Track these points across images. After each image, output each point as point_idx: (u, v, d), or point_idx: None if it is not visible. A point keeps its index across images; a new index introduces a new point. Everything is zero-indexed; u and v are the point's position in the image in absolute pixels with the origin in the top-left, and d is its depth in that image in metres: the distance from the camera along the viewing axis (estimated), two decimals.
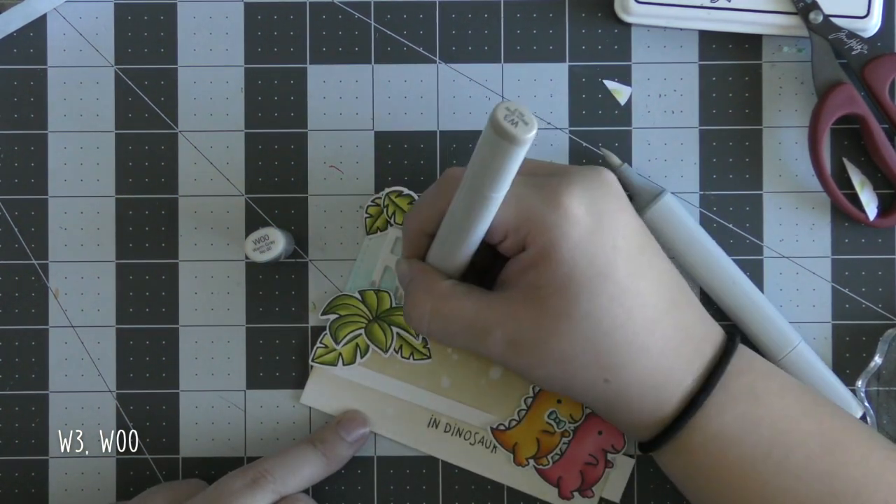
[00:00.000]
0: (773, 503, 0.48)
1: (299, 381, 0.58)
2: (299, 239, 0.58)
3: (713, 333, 0.50)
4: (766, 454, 0.48)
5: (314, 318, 0.58)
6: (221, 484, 0.52)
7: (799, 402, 0.50)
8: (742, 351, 0.50)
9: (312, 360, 0.57)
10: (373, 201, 0.58)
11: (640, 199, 0.56)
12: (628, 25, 0.58)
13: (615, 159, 0.56)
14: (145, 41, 0.58)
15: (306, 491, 0.57)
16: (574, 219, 0.46)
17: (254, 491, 0.52)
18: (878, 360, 0.56)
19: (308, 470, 0.54)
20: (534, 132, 0.40)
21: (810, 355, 0.55)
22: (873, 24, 0.56)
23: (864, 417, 0.56)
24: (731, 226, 0.58)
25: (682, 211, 0.56)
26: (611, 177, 0.48)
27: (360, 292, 0.57)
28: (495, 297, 0.49)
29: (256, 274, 0.58)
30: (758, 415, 0.49)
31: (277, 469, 0.53)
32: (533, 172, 0.49)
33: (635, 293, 0.47)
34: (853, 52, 0.56)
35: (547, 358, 0.48)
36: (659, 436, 0.50)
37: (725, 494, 0.49)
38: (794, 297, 0.57)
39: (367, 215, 0.58)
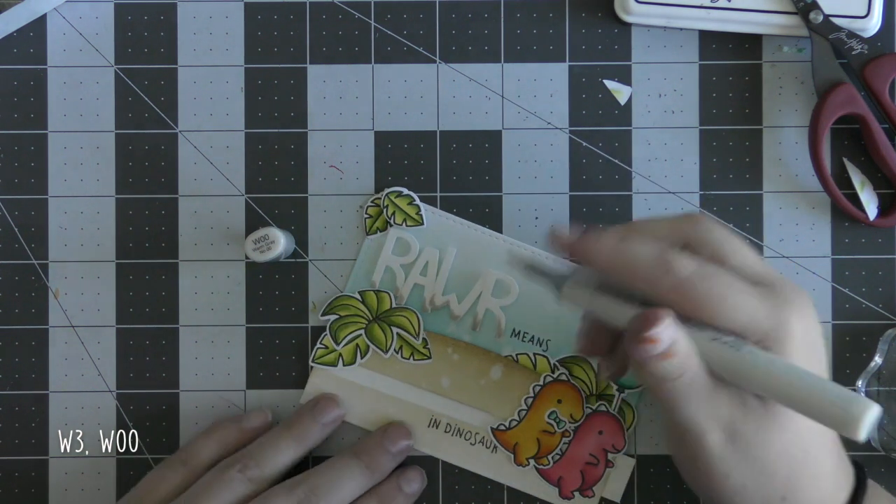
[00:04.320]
0: None
1: (299, 381, 0.58)
2: (299, 239, 0.58)
3: (848, 463, 0.50)
4: None
5: (314, 319, 0.58)
6: (266, 502, 0.52)
7: None
8: (871, 481, 0.51)
9: (312, 361, 0.57)
10: (373, 201, 0.58)
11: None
12: (628, 25, 0.58)
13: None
14: (145, 41, 0.58)
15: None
16: (794, 342, 0.46)
17: None
18: (878, 360, 0.56)
19: (353, 483, 0.54)
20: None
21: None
22: (873, 24, 0.56)
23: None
24: (731, 226, 0.58)
25: None
26: (812, 304, 0.48)
27: (360, 293, 0.57)
28: (724, 386, 0.47)
29: (256, 274, 0.58)
30: None
31: (322, 486, 0.53)
32: (744, 269, 0.47)
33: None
34: (853, 52, 0.56)
35: (752, 462, 0.47)
36: None
37: None
38: None
39: (367, 215, 0.58)
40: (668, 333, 0.44)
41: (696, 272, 0.45)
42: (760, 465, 0.47)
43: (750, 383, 0.45)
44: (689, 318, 0.46)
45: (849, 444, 0.57)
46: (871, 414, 0.41)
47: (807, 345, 0.47)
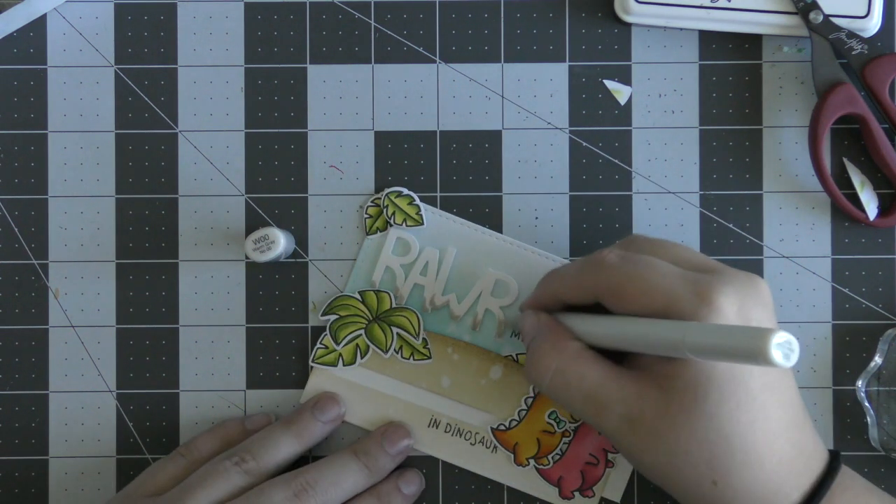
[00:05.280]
0: None
1: (299, 381, 0.58)
2: (299, 239, 0.58)
3: (820, 451, 0.49)
4: None
5: (314, 319, 0.58)
6: (262, 494, 0.52)
7: None
8: (844, 469, 0.50)
9: (312, 361, 0.57)
10: (373, 201, 0.58)
11: None
12: (628, 25, 0.58)
13: None
14: (145, 41, 0.58)
15: None
16: (723, 319, 0.46)
17: None
18: (878, 360, 0.56)
19: (350, 481, 0.54)
20: (794, 362, 0.39)
21: None
22: (873, 24, 0.56)
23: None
24: (731, 226, 0.58)
25: None
26: (765, 287, 0.48)
27: (360, 293, 0.57)
28: (624, 374, 0.48)
29: (256, 274, 0.58)
30: None
31: (320, 481, 0.53)
32: (679, 262, 0.48)
33: (763, 404, 0.47)
34: (853, 52, 0.56)
35: (661, 446, 0.47)
36: None
37: None
38: (794, 297, 0.57)
39: (367, 215, 0.58)
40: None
41: (621, 256, 0.48)
42: (670, 448, 0.47)
43: (656, 345, 0.45)
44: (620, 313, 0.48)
45: (848, 444, 0.57)
46: (778, 337, 0.39)
47: (743, 318, 0.46)
